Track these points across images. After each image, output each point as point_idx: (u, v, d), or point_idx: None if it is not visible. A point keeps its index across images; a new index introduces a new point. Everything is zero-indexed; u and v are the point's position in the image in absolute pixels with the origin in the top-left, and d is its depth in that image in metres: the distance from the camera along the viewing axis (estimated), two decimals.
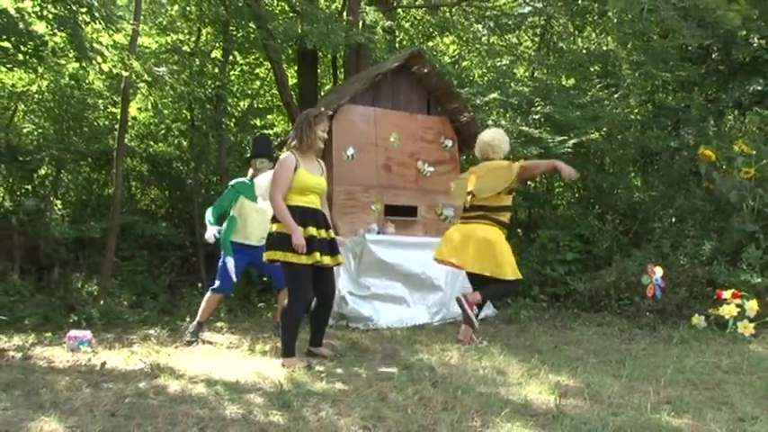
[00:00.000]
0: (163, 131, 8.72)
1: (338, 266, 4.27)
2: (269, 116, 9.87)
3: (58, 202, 7.83)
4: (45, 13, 5.25)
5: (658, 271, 5.45)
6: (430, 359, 3.92)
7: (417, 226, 6.35)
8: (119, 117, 6.69)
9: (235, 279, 4.70)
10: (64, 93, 7.93)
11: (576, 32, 10.71)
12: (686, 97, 8.42)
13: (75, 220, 7.28)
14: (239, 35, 8.26)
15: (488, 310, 5.88)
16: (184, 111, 8.41)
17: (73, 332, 4.46)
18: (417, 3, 10.14)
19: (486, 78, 9.85)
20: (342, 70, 9.42)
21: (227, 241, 4.73)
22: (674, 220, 7.52)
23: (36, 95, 7.98)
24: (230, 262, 4.67)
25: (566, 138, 7.15)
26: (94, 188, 8.42)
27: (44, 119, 8.17)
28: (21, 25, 5.11)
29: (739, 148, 6.33)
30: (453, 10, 10.42)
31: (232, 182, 4.97)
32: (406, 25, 10.95)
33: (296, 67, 9.47)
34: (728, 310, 4.94)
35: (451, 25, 10.48)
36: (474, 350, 4.16)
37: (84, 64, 6.18)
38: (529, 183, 8.66)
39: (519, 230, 8.18)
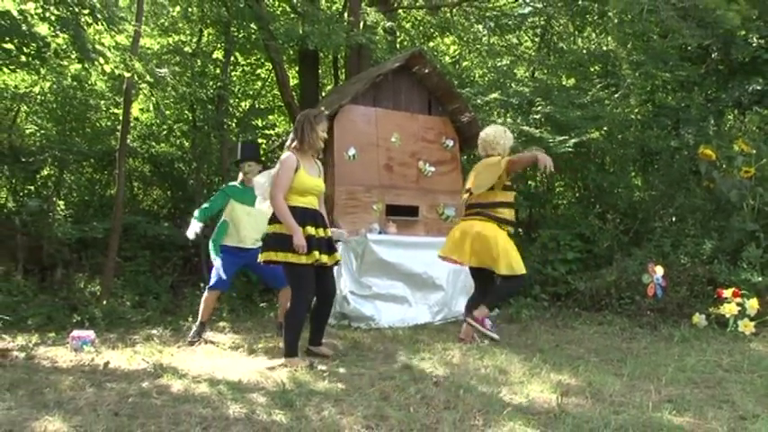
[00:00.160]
0: (165, 132, 8.73)
1: (338, 265, 4.29)
2: (270, 117, 9.88)
3: (61, 202, 7.84)
4: (48, 14, 5.25)
5: (659, 270, 5.47)
6: (432, 358, 3.93)
7: (419, 226, 6.36)
8: (121, 118, 6.70)
9: (225, 277, 4.73)
10: (66, 94, 7.95)
11: (577, 33, 10.71)
12: (686, 97, 8.42)
13: (77, 221, 7.29)
14: (241, 36, 8.28)
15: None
16: (186, 111, 8.44)
17: (76, 332, 4.48)
18: (418, 3, 10.13)
19: (486, 78, 9.86)
20: (343, 71, 9.42)
21: (216, 243, 4.79)
22: (674, 219, 7.53)
23: (39, 97, 8.00)
24: (217, 261, 4.72)
25: (566, 137, 7.15)
26: (97, 189, 8.43)
27: (47, 120, 8.18)
28: (24, 27, 5.11)
29: (739, 148, 6.35)
30: (454, 10, 10.41)
31: (223, 186, 5.02)
32: (407, 26, 10.94)
33: (297, 68, 9.47)
34: (729, 309, 4.97)
35: (452, 26, 10.46)
36: (476, 349, 4.18)
37: (86, 65, 6.19)
38: (530, 182, 8.69)
39: (520, 230, 8.18)
